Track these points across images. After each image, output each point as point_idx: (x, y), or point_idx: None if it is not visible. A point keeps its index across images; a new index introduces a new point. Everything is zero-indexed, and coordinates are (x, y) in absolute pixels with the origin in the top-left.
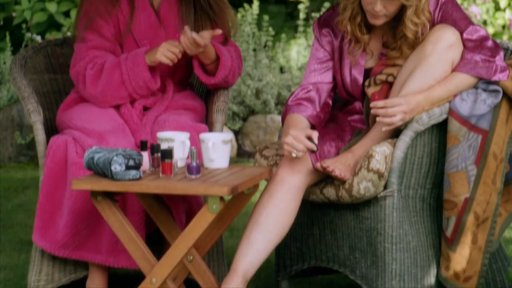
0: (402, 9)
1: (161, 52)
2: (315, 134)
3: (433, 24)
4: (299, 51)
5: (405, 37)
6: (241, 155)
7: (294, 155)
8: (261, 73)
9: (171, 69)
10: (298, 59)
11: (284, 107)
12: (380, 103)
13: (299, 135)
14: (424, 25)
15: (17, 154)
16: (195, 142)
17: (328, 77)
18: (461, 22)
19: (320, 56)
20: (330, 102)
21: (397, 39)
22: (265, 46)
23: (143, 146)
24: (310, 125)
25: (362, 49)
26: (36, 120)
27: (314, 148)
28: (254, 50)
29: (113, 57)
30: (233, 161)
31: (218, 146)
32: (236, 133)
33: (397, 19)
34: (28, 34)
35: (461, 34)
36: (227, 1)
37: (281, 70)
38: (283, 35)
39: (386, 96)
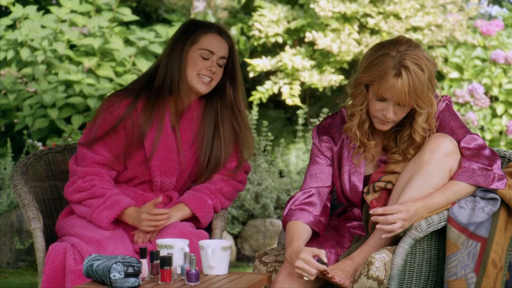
0: (408, 114)
1: (143, 225)
2: (323, 253)
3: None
4: (298, 155)
5: (411, 139)
6: (240, 259)
7: (306, 278)
8: (260, 177)
9: (177, 185)
10: (297, 163)
11: (284, 210)
12: (380, 210)
13: (309, 259)
14: (431, 130)
15: (16, 259)
16: (195, 248)
17: (328, 181)
18: (459, 131)
19: (320, 162)
20: (329, 205)
21: (400, 143)
22: (264, 150)
23: (142, 253)
24: (312, 232)
25: (365, 154)
26: (36, 227)
27: (325, 268)
28: (254, 154)
29: (101, 192)
30: (232, 266)
31: (217, 253)
32: (236, 237)
33: (399, 124)
34: (29, 140)
35: (459, 142)
36: (246, 130)
37: (280, 174)
38: (282, 140)
39: (385, 203)
